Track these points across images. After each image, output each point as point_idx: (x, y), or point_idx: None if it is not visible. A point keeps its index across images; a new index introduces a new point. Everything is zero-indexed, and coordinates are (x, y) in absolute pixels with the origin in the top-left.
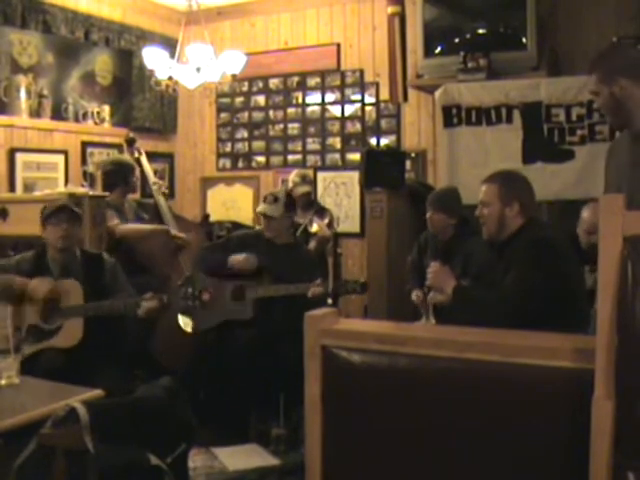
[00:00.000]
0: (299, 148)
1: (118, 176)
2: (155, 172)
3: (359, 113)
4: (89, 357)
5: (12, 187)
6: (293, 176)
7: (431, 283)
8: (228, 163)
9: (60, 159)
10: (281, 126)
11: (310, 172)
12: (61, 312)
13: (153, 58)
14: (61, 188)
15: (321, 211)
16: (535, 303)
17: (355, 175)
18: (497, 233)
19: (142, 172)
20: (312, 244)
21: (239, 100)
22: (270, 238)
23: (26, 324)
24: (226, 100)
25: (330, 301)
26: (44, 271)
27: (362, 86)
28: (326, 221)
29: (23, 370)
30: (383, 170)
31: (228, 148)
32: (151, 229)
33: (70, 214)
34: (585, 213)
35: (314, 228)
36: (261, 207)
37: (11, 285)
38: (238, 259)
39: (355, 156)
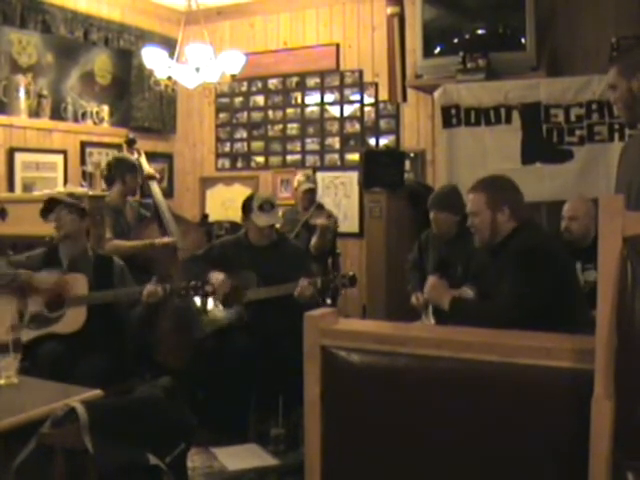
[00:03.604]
0: (298, 148)
1: (116, 171)
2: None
3: (358, 113)
4: (90, 344)
5: (11, 187)
6: (299, 176)
7: (428, 297)
8: (227, 163)
9: (59, 159)
10: (280, 126)
11: (311, 172)
12: (66, 302)
13: (152, 58)
14: (60, 188)
15: (320, 208)
16: (531, 314)
17: (354, 175)
18: (490, 239)
19: (140, 169)
20: (314, 240)
21: (238, 100)
22: (253, 242)
23: (29, 311)
24: (225, 100)
25: (329, 301)
26: (54, 264)
27: (361, 86)
28: (325, 214)
29: (25, 357)
30: (382, 170)
31: (227, 148)
32: (138, 246)
33: (66, 205)
34: (566, 205)
35: (317, 221)
36: (265, 220)
37: (16, 276)
38: (217, 278)
39: (354, 156)
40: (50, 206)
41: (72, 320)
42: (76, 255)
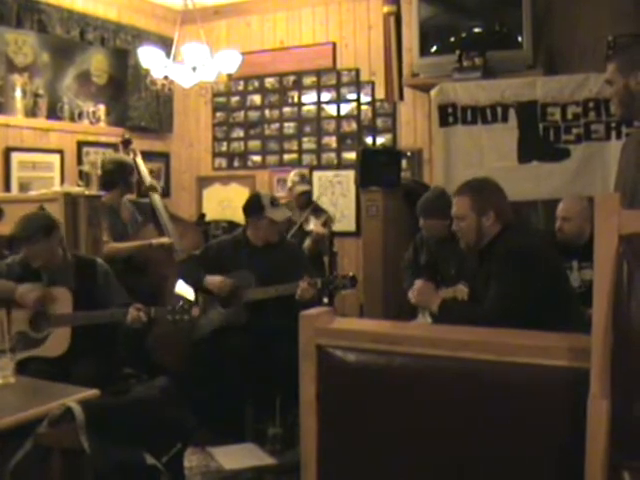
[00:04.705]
0: (295, 147)
1: (118, 176)
2: (151, 172)
3: (355, 112)
4: (79, 359)
5: (7, 187)
6: (292, 175)
7: (416, 301)
8: (224, 162)
9: (56, 159)
10: (277, 125)
11: (306, 171)
12: (49, 320)
13: (149, 57)
14: (57, 188)
15: (317, 211)
16: (519, 316)
17: (351, 174)
18: (476, 243)
19: (138, 173)
20: (307, 243)
21: (235, 99)
22: (252, 241)
23: (14, 331)
24: (222, 99)
25: (326, 300)
26: (33, 276)
27: (358, 85)
28: (321, 220)
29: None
30: (379, 169)
31: (224, 147)
32: (135, 246)
33: (28, 239)
34: (559, 205)
35: (310, 226)
36: (281, 214)
37: None
38: (214, 282)
39: (351, 155)
40: (15, 243)
41: (57, 343)
42: (54, 266)
